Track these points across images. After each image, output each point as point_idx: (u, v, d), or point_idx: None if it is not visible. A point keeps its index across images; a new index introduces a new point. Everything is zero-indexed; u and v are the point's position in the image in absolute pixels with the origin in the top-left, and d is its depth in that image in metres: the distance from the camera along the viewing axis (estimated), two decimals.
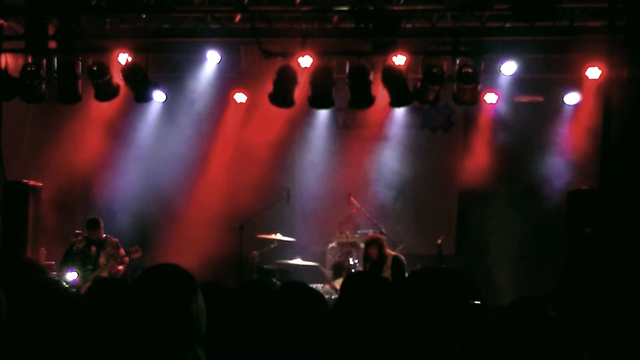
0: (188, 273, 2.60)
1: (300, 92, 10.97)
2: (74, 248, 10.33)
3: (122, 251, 10.40)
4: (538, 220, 12.09)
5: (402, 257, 10.13)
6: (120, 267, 10.30)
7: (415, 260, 11.78)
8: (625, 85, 9.58)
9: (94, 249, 10.29)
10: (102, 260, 10.25)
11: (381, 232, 10.95)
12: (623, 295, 3.72)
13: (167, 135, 13.19)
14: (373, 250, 9.95)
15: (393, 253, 10.14)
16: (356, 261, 10.67)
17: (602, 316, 3.54)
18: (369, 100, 10.83)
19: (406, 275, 9.71)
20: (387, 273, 9.81)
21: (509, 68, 11.19)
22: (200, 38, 11.46)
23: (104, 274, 10.12)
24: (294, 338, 2.99)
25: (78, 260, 10.19)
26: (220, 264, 12.04)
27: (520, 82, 11.94)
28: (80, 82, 10.90)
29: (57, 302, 3.45)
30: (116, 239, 10.51)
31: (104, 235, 10.48)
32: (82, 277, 10.08)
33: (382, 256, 9.94)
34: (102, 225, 10.48)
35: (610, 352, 3.43)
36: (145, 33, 11.28)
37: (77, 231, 10.55)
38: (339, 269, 10.77)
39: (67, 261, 10.28)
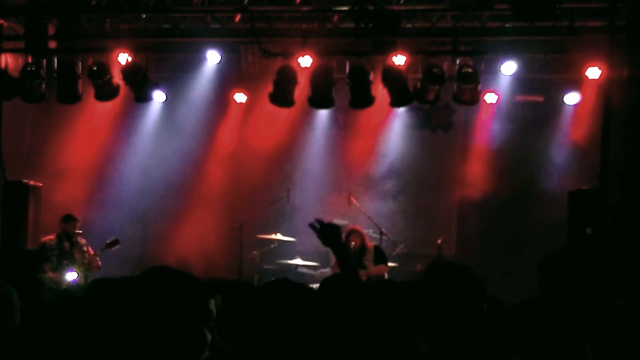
0: (198, 281, 2.54)
1: (300, 92, 10.96)
2: (47, 245, 10.30)
3: (90, 249, 10.40)
4: (538, 220, 12.08)
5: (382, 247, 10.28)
6: (99, 263, 10.36)
7: (415, 260, 11.79)
8: (625, 85, 9.58)
9: (67, 244, 10.30)
10: (77, 255, 10.27)
11: (381, 232, 10.96)
12: (625, 297, 3.71)
13: (167, 135, 13.19)
14: (356, 239, 9.98)
15: (373, 243, 10.21)
16: None
17: (604, 316, 3.54)
18: (369, 100, 10.82)
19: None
20: (368, 260, 9.95)
21: (509, 68, 11.18)
22: (200, 38, 11.45)
23: (81, 271, 10.15)
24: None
25: (53, 257, 10.20)
26: (220, 264, 12.05)
27: (520, 82, 11.94)
28: (80, 82, 10.89)
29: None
30: (84, 238, 10.49)
31: (77, 232, 10.46)
32: (60, 272, 10.10)
33: (363, 247, 10.03)
34: (79, 221, 10.47)
35: (613, 352, 3.43)
36: (145, 33, 11.28)
37: (77, 231, 10.54)
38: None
39: (41, 257, 10.22)
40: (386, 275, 10.09)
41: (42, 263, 10.13)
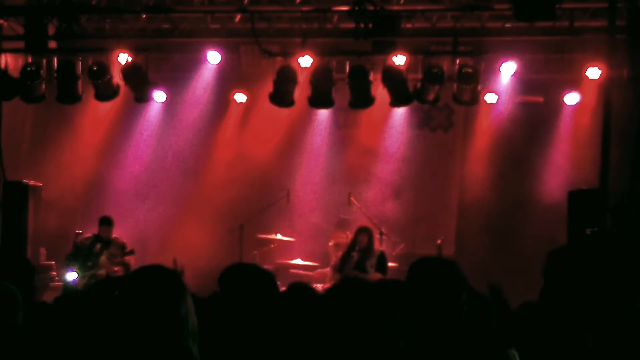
0: (176, 274, 2.68)
1: (300, 92, 10.97)
2: (79, 244, 10.37)
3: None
4: (538, 220, 12.08)
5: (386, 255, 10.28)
6: (116, 268, 10.31)
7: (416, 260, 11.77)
8: (625, 85, 9.58)
9: (98, 246, 10.33)
10: (102, 258, 10.29)
11: (381, 232, 10.96)
12: (628, 297, 3.71)
13: (167, 135, 13.20)
14: (364, 239, 10.04)
15: (381, 248, 10.22)
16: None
17: (608, 314, 3.54)
18: (369, 100, 10.82)
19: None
20: (370, 265, 9.94)
21: (509, 68, 11.19)
22: (200, 38, 11.46)
23: (102, 272, 10.14)
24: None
25: (80, 257, 10.23)
26: (221, 264, 12.01)
27: (520, 82, 11.94)
28: (80, 82, 10.89)
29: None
30: (124, 242, 10.54)
31: (113, 236, 10.54)
32: (81, 274, 10.11)
33: (370, 247, 10.03)
34: (114, 224, 10.53)
35: (617, 350, 3.43)
36: (145, 33, 11.28)
37: (77, 231, 10.56)
38: None
39: (71, 258, 10.31)
40: None
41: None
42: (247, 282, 3.16)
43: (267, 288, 3.12)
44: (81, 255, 10.26)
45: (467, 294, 2.88)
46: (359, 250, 10.06)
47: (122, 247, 10.44)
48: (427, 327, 2.66)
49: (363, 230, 10.16)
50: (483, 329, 3.20)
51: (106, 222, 10.47)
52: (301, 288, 3.70)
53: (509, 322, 3.49)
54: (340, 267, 10.12)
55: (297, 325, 3.30)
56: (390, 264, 10.66)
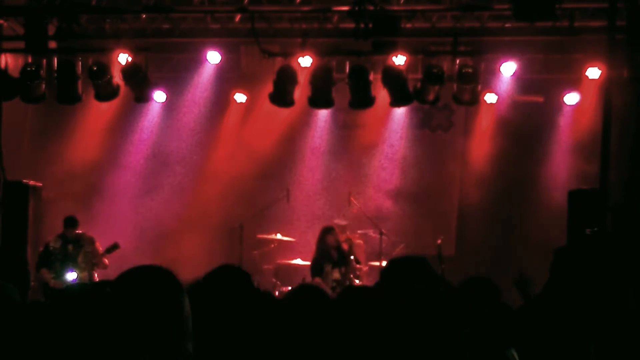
0: (174, 275, 2.66)
1: (300, 92, 10.97)
2: (51, 248, 10.34)
3: (98, 245, 10.41)
4: (538, 220, 12.08)
5: None
6: (103, 261, 10.37)
7: None
8: (625, 85, 9.58)
9: (70, 247, 10.30)
10: (80, 259, 10.27)
11: (381, 232, 10.97)
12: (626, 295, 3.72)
13: (167, 135, 13.20)
14: (332, 238, 10.36)
15: (348, 237, 10.55)
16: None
17: (605, 314, 3.54)
18: (369, 100, 10.83)
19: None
20: (350, 258, 10.39)
21: (509, 68, 11.19)
22: (200, 38, 11.47)
23: (84, 274, 10.14)
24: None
25: (56, 261, 10.21)
26: (220, 264, 12.02)
27: (520, 82, 11.94)
28: (80, 82, 10.89)
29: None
30: (91, 235, 10.51)
31: (80, 232, 10.51)
32: (62, 277, 10.11)
33: (340, 245, 10.35)
34: (79, 223, 10.52)
35: (614, 350, 3.43)
36: (145, 33, 11.29)
37: (76, 231, 10.55)
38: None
39: (44, 262, 10.27)
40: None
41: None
42: (224, 283, 3.14)
43: (243, 288, 3.11)
44: (57, 259, 10.23)
45: (444, 289, 2.88)
46: (334, 249, 10.31)
47: (91, 240, 10.42)
48: (410, 326, 2.66)
49: (328, 232, 10.44)
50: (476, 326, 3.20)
51: (72, 224, 10.39)
52: (311, 290, 3.67)
53: (510, 320, 3.49)
54: (318, 271, 10.25)
55: (306, 327, 3.30)
56: None
